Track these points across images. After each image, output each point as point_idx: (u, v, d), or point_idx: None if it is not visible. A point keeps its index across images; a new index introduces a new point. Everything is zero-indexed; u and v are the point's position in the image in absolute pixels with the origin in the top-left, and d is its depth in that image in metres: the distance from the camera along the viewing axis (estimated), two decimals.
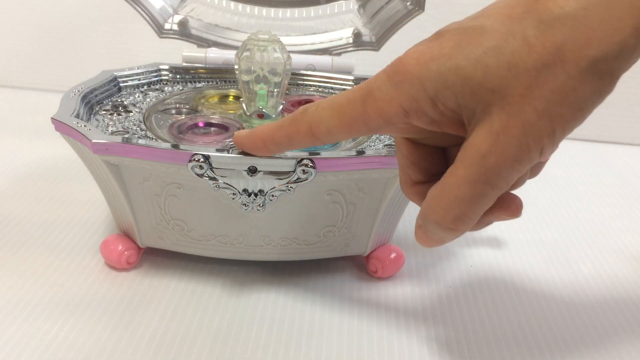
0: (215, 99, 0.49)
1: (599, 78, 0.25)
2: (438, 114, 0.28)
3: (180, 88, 0.50)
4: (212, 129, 0.44)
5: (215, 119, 0.45)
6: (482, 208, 0.28)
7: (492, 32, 0.26)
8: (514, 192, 0.31)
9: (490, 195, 0.28)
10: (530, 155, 0.26)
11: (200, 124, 0.44)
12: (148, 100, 0.47)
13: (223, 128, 0.44)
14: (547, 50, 0.25)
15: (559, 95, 0.25)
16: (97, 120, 0.43)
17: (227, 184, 0.37)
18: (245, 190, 0.37)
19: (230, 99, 0.49)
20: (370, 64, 0.53)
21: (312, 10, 0.56)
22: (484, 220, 0.30)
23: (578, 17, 0.25)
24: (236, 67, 0.44)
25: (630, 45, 0.25)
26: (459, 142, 0.28)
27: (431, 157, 0.31)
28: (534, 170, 0.31)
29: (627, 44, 0.25)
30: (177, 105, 0.47)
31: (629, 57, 0.26)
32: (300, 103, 0.47)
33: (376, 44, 0.54)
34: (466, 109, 0.27)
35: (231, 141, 0.40)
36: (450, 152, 0.31)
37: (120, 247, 0.41)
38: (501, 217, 0.30)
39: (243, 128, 0.44)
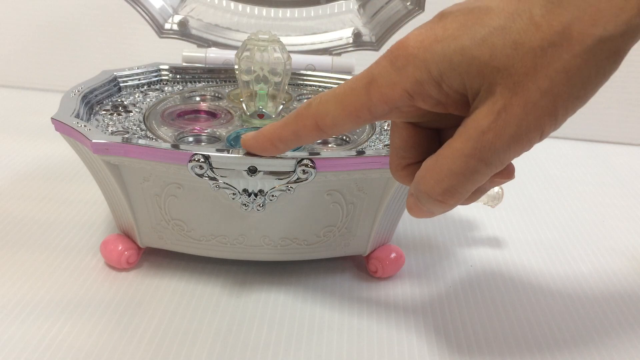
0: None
1: (605, 57, 0.25)
2: (443, 95, 0.28)
3: (180, 88, 0.50)
4: (202, 115, 0.46)
5: (205, 106, 0.47)
6: (473, 184, 0.28)
7: (498, 11, 0.26)
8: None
9: (482, 172, 0.28)
10: (529, 135, 0.26)
11: (190, 111, 0.46)
12: (148, 100, 0.47)
13: (212, 115, 0.46)
14: (553, 30, 0.25)
15: (563, 75, 0.25)
16: (97, 120, 0.43)
17: (227, 184, 0.37)
18: (245, 190, 0.37)
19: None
20: (370, 64, 0.53)
21: (312, 10, 0.56)
22: (480, 189, 0.30)
23: None
24: (236, 67, 0.44)
25: (635, 24, 0.25)
26: (458, 124, 0.28)
27: (427, 139, 0.31)
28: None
29: (632, 23, 0.25)
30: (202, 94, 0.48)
31: (634, 36, 0.26)
32: None
33: (376, 44, 0.54)
34: (471, 89, 0.27)
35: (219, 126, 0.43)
36: (445, 134, 0.31)
37: (120, 247, 0.41)
38: (495, 181, 0.30)
39: (231, 115, 0.46)
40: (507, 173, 0.30)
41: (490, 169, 0.28)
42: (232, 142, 0.41)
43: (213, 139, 0.42)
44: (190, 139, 0.42)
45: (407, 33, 0.29)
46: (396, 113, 0.30)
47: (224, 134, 0.42)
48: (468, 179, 0.28)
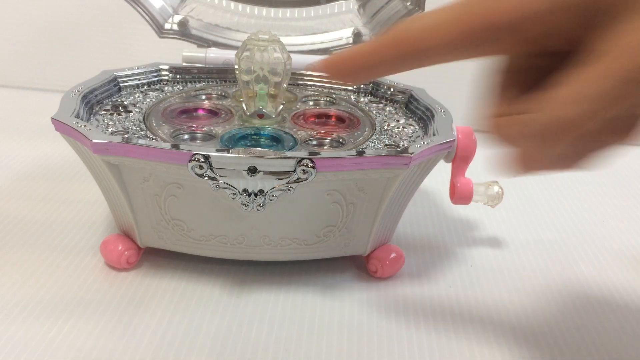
0: None
1: None
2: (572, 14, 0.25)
3: (180, 88, 0.50)
4: (203, 114, 0.46)
5: (206, 104, 0.47)
6: (618, 108, 0.25)
7: None
8: None
9: (630, 99, 0.25)
10: None
11: (191, 109, 0.46)
12: (148, 100, 0.47)
13: (213, 113, 0.46)
14: None
15: None
16: (97, 120, 0.43)
17: (227, 184, 0.37)
18: (245, 190, 0.37)
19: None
20: None
21: (312, 10, 0.56)
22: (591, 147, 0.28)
23: None
24: (236, 67, 0.44)
25: None
26: (559, 66, 0.26)
27: (532, 82, 0.28)
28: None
29: None
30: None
31: None
32: (319, 117, 0.47)
33: None
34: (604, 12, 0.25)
35: (221, 125, 0.44)
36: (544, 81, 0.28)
37: (120, 247, 0.41)
38: (613, 138, 0.28)
39: (232, 113, 0.46)
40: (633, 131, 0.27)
41: (637, 97, 0.25)
42: (226, 143, 0.41)
43: (208, 137, 0.42)
44: (186, 136, 0.42)
45: None
46: (514, 37, 0.27)
47: (220, 132, 0.42)
48: (615, 102, 0.25)
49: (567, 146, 0.26)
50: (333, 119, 0.47)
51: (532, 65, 0.29)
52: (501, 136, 0.27)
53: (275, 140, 0.42)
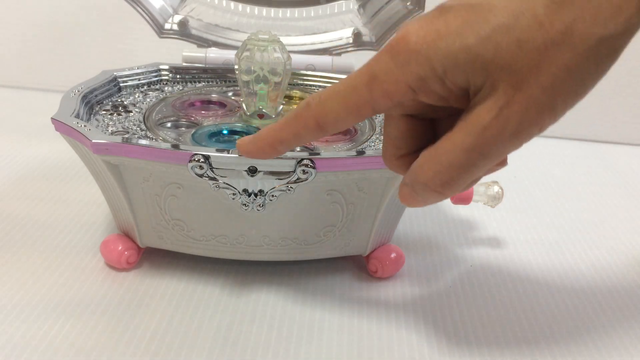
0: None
1: (605, 55, 0.26)
2: (446, 90, 0.28)
3: (180, 88, 0.50)
4: (211, 105, 0.47)
5: (215, 97, 0.49)
6: (472, 176, 0.29)
7: (501, 9, 0.27)
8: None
9: (481, 166, 0.28)
10: (529, 129, 0.27)
11: (199, 102, 0.48)
12: (148, 100, 0.47)
13: (221, 105, 0.47)
14: (556, 29, 0.26)
15: (565, 72, 0.26)
16: (97, 120, 0.43)
17: (227, 184, 0.37)
18: (245, 190, 0.37)
19: (295, 99, 0.50)
20: None
21: (312, 10, 0.56)
22: (475, 178, 0.31)
23: None
24: (236, 67, 0.44)
25: (634, 23, 0.26)
26: (453, 114, 0.29)
27: (423, 129, 0.32)
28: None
29: (631, 22, 0.26)
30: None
31: (633, 34, 0.27)
32: None
33: (376, 44, 0.54)
34: (474, 85, 0.27)
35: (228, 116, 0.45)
36: (440, 124, 0.32)
37: (120, 247, 0.41)
38: (491, 169, 0.30)
39: (238, 105, 0.47)
40: (502, 161, 0.30)
41: (489, 162, 0.28)
42: (197, 140, 0.41)
43: (192, 125, 0.44)
44: (169, 124, 0.44)
45: (405, 25, 0.29)
46: (398, 107, 0.30)
47: (205, 123, 0.44)
48: (467, 171, 0.28)
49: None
50: None
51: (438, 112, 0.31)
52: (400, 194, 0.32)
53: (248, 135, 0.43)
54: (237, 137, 0.42)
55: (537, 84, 0.26)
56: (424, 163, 0.29)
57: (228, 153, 0.36)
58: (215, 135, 0.42)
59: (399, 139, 0.32)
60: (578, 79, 0.26)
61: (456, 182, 0.29)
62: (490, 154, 0.28)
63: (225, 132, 0.43)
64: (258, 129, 0.43)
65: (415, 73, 0.28)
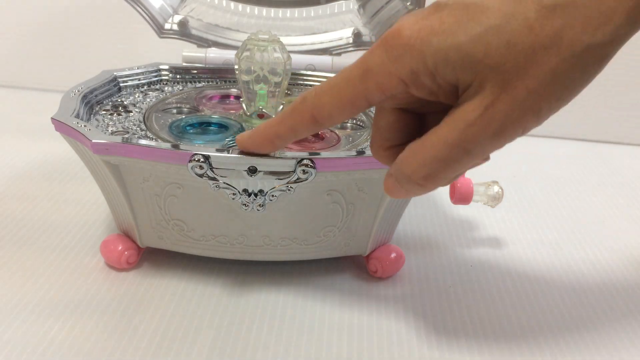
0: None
1: (591, 63, 0.27)
2: (436, 85, 0.29)
3: (180, 88, 0.50)
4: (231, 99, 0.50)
5: (234, 91, 0.51)
6: (454, 172, 0.29)
7: (494, 10, 0.27)
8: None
9: (464, 162, 0.29)
10: (512, 130, 0.28)
11: (218, 97, 0.50)
12: (148, 100, 0.47)
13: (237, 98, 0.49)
14: (546, 34, 0.26)
15: (550, 76, 0.27)
16: (97, 120, 0.43)
17: (227, 184, 0.37)
18: (245, 190, 0.37)
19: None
20: None
21: (312, 10, 0.56)
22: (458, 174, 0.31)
23: (577, 5, 0.26)
24: (236, 67, 0.44)
25: (621, 34, 0.27)
26: (442, 109, 0.29)
27: (412, 123, 0.32)
28: None
29: (619, 33, 0.27)
30: (179, 104, 0.48)
31: (620, 43, 0.27)
32: None
33: None
34: (463, 82, 0.28)
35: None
36: (429, 118, 0.32)
37: (120, 247, 0.41)
38: (474, 163, 0.31)
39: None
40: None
41: (471, 159, 0.29)
42: (174, 130, 0.42)
43: (193, 110, 0.45)
44: (174, 110, 0.46)
45: (401, 19, 0.29)
46: (391, 100, 0.31)
47: (210, 114, 0.45)
48: (450, 166, 0.29)
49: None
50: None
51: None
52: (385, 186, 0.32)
53: (224, 128, 0.43)
54: (212, 127, 0.44)
55: (523, 86, 0.27)
56: (409, 155, 0.30)
57: (228, 153, 0.36)
58: (192, 127, 0.43)
59: (388, 131, 0.32)
60: (563, 84, 0.27)
61: (438, 176, 0.29)
62: (472, 150, 0.28)
63: (196, 125, 0.43)
64: (231, 119, 0.45)
65: (407, 66, 0.28)
